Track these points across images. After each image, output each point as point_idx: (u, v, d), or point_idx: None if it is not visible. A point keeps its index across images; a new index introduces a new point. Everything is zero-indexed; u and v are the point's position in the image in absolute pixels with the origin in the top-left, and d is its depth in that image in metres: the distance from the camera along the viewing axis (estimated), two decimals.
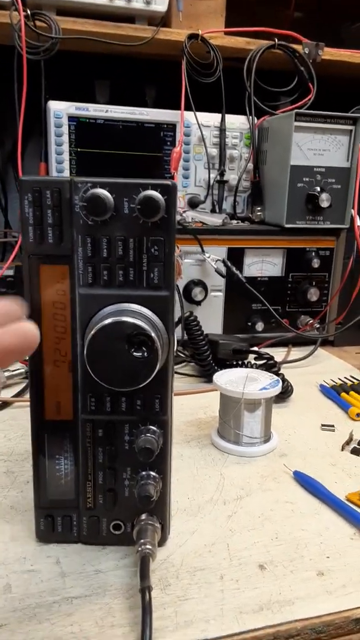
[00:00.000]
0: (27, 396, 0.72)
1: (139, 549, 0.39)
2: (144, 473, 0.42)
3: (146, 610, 0.35)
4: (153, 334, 0.37)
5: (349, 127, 0.90)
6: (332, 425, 0.67)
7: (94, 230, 0.37)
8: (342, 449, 0.61)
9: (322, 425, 0.67)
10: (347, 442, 0.62)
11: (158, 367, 0.38)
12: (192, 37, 0.93)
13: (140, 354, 0.37)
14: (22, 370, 0.76)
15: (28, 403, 0.69)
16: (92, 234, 0.37)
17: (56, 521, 0.43)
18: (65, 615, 0.37)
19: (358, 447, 0.61)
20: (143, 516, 0.42)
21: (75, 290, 0.38)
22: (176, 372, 0.83)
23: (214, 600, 0.39)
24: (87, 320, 0.39)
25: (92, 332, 0.37)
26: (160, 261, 0.38)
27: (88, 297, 0.38)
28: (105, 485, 0.42)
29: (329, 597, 0.39)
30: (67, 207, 0.37)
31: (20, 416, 0.67)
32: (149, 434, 0.40)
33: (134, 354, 0.37)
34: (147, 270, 0.38)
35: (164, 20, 0.92)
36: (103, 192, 0.36)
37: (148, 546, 0.39)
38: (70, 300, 0.39)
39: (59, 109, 0.92)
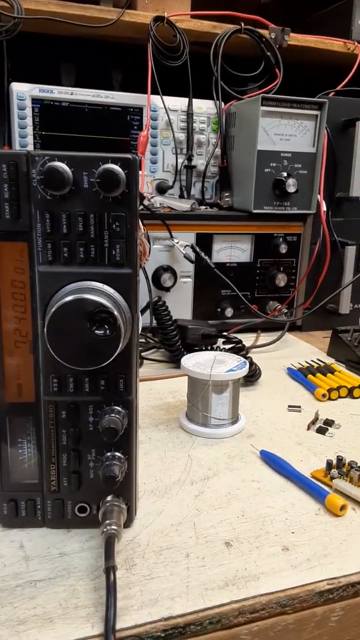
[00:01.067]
0: None
1: (104, 529, 0.39)
2: (108, 454, 0.41)
3: (110, 590, 0.35)
4: (115, 312, 0.36)
5: (315, 112, 0.91)
6: (299, 406, 0.67)
7: (52, 206, 0.36)
8: (308, 429, 0.62)
9: (289, 406, 0.68)
10: (313, 422, 0.63)
11: (121, 345, 0.37)
12: (158, 19, 0.92)
13: (102, 332, 0.36)
14: None
15: None
16: (50, 210, 0.36)
17: (20, 505, 0.42)
18: (29, 598, 0.36)
19: (323, 426, 0.62)
20: (109, 497, 0.42)
21: (34, 268, 0.38)
22: (145, 358, 0.83)
23: (179, 578, 0.39)
24: (47, 299, 0.38)
25: (53, 310, 0.36)
26: (122, 237, 0.37)
27: (48, 275, 0.38)
28: (70, 467, 0.42)
29: (293, 571, 0.40)
30: (25, 181, 0.36)
31: None
32: (113, 414, 0.40)
33: (96, 332, 0.36)
34: (108, 247, 0.37)
35: (129, 2, 0.91)
36: (61, 166, 0.35)
37: (113, 527, 0.39)
38: (29, 278, 0.38)
39: (22, 91, 0.90)
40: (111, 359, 0.37)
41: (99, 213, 0.37)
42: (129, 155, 0.36)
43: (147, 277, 0.86)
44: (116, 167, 0.35)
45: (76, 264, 0.38)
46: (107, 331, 0.36)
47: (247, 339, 0.89)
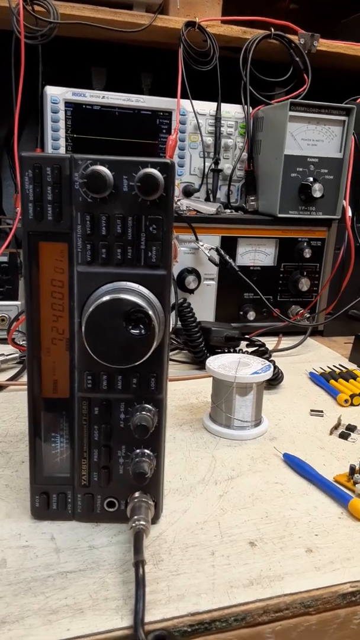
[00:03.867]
0: (22, 380, 0.72)
1: (133, 524, 0.40)
2: (138, 451, 0.42)
3: (139, 583, 0.36)
4: (150, 312, 0.37)
5: (343, 118, 0.91)
6: (321, 411, 0.68)
7: (93, 208, 0.37)
8: (331, 433, 0.62)
9: (311, 410, 0.68)
10: (335, 427, 0.63)
11: (155, 345, 0.38)
12: (189, 25, 0.93)
13: (137, 331, 0.37)
14: (17, 355, 0.76)
15: (22, 387, 0.70)
16: (91, 212, 0.38)
17: (51, 498, 0.44)
18: (60, 588, 0.38)
19: (346, 431, 0.62)
20: (137, 494, 0.43)
21: (73, 268, 0.39)
22: (169, 359, 0.84)
23: (205, 575, 0.39)
24: (85, 298, 0.39)
25: (90, 309, 0.37)
26: (158, 240, 0.38)
27: (86, 275, 0.39)
28: (100, 462, 0.43)
29: (317, 573, 0.40)
30: (67, 184, 0.37)
31: (15, 399, 0.67)
32: (144, 412, 0.41)
33: (132, 331, 0.37)
34: (145, 248, 0.38)
35: (161, 7, 0.92)
36: (103, 169, 0.36)
37: (142, 522, 0.40)
38: (68, 278, 0.39)
39: (56, 94, 0.92)
40: (145, 357, 0.38)
41: (137, 216, 0.38)
42: (167, 160, 0.37)
43: (173, 277, 0.87)
44: (155, 172, 0.37)
45: (113, 264, 0.39)
46: (142, 330, 0.37)
47: (269, 343, 0.90)
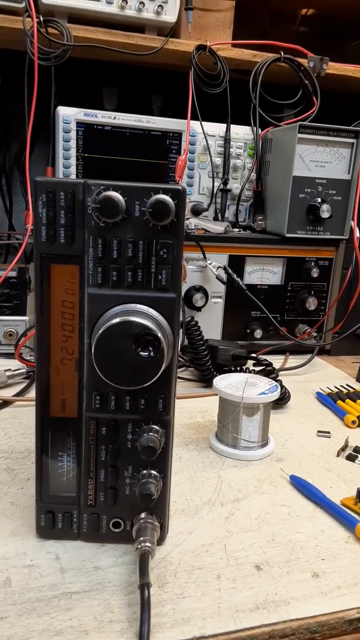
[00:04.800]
0: (28, 395, 0.72)
1: (139, 546, 0.40)
2: (145, 472, 0.43)
3: (145, 606, 0.36)
4: (159, 334, 0.37)
5: (351, 140, 0.92)
6: (328, 432, 0.68)
7: (105, 232, 0.38)
8: (338, 455, 0.62)
9: (319, 431, 0.68)
10: (343, 449, 0.63)
11: (163, 367, 0.39)
12: (200, 48, 0.95)
13: (146, 353, 0.38)
14: (23, 370, 0.77)
15: (29, 402, 0.70)
16: (103, 236, 0.38)
17: (57, 517, 0.44)
18: (65, 609, 0.37)
19: (353, 453, 0.62)
20: (143, 514, 0.43)
21: (84, 289, 0.39)
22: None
23: (211, 598, 0.39)
24: (94, 320, 0.40)
25: (100, 331, 0.37)
26: (168, 264, 0.39)
27: (97, 297, 0.39)
28: (107, 483, 0.43)
29: (323, 598, 0.40)
30: (80, 208, 0.38)
31: (21, 415, 0.67)
32: (151, 433, 0.41)
33: (141, 353, 0.38)
34: (155, 272, 0.39)
35: (173, 30, 0.94)
36: (115, 195, 0.37)
37: (147, 544, 0.40)
38: (79, 299, 0.40)
39: (68, 115, 0.94)
40: (154, 379, 0.39)
41: (147, 240, 0.39)
42: (179, 187, 0.38)
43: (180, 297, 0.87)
44: (167, 198, 0.37)
45: (124, 287, 0.39)
46: (151, 353, 0.38)
47: (275, 361, 0.90)
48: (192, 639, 0.36)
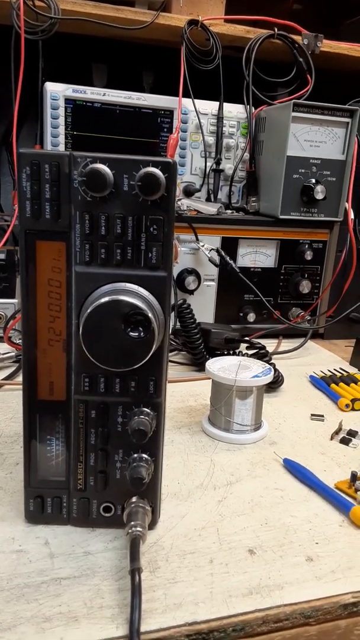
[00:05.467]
0: (18, 379, 0.71)
1: (129, 530, 0.39)
2: (136, 455, 0.42)
3: (135, 591, 0.35)
4: (150, 314, 0.36)
5: (346, 120, 0.90)
6: (322, 415, 0.67)
7: (92, 207, 0.37)
8: (331, 439, 0.62)
9: (312, 415, 0.67)
10: (336, 432, 0.62)
11: (154, 348, 0.37)
12: (192, 23, 0.92)
13: (136, 334, 0.36)
14: (13, 354, 0.75)
15: (18, 386, 0.69)
16: (90, 211, 0.37)
17: (46, 502, 0.43)
18: (54, 595, 0.37)
19: (347, 436, 0.61)
20: (134, 499, 0.42)
21: (71, 268, 0.38)
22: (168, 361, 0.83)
23: (203, 583, 0.39)
24: (82, 299, 0.38)
25: (89, 311, 0.36)
26: (159, 241, 0.37)
27: (84, 276, 0.38)
28: (97, 466, 0.42)
29: (317, 582, 0.40)
30: (66, 182, 0.36)
31: (10, 399, 0.66)
32: (142, 416, 0.40)
33: (130, 333, 0.36)
34: (145, 249, 0.38)
35: (164, 5, 0.91)
36: (103, 168, 0.35)
37: (138, 528, 0.39)
38: (66, 278, 0.38)
39: (56, 91, 0.91)
40: (144, 360, 0.37)
41: (137, 216, 0.37)
42: (169, 159, 0.36)
43: (173, 280, 0.86)
44: (157, 171, 0.36)
45: (112, 265, 0.38)
46: (142, 333, 0.37)
47: (269, 345, 0.89)
48: (184, 625, 0.35)
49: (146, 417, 0.40)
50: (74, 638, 0.34)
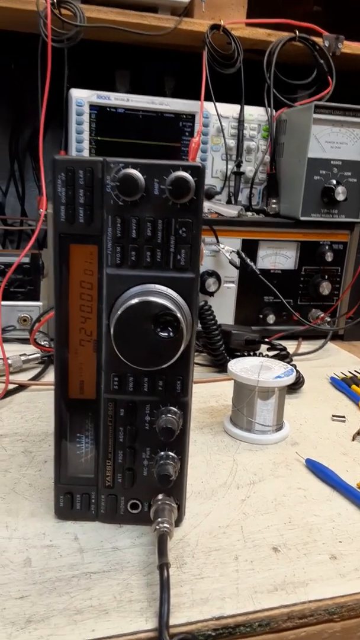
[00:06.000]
0: (44, 380, 0.73)
1: (157, 527, 0.40)
2: (163, 453, 0.42)
3: (164, 586, 0.36)
4: (179, 315, 0.37)
5: None
6: (343, 416, 0.67)
7: (123, 211, 0.38)
8: (353, 439, 0.62)
9: (333, 416, 0.68)
10: (358, 433, 0.63)
11: (182, 347, 0.38)
12: (214, 27, 0.93)
13: (166, 334, 0.37)
14: (38, 355, 0.77)
15: (44, 386, 0.70)
16: (122, 215, 0.38)
17: (75, 498, 0.44)
18: (85, 589, 0.38)
19: None
20: (160, 496, 0.43)
21: (102, 270, 0.39)
22: None
23: (229, 579, 0.39)
24: (113, 301, 0.39)
25: (120, 312, 0.37)
26: (187, 243, 0.38)
27: (115, 278, 0.39)
28: (125, 464, 0.43)
29: (342, 580, 0.40)
30: (99, 187, 0.37)
31: (37, 399, 0.68)
32: (170, 415, 0.41)
33: (160, 334, 0.37)
34: (174, 251, 0.38)
35: (186, 10, 0.92)
36: (135, 173, 0.36)
37: (166, 525, 0.40)
38: (97, 280, 0.39)
39: (81, 97, 0.93)
40: (173, 360, 0.38)
41: (167, 219, 0.38)
42: (198, 164, 0.37)
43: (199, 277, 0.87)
44: (187, 175, 0.37)
45: (142, 267, 0.39)
46: (171, 333, 0.38)
47: (288, 347, 0.89)
48: (211, 619, 0.36)
49: (173, 416, 0.41)
50: (105, 630, 0.35)
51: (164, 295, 0.38)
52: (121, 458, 0.43)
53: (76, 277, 0.39)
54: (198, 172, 0.37)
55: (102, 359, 0.41)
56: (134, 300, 0.37)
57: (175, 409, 0.42)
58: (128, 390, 0.41)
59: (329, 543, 0.44)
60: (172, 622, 0.35)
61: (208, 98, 0.95)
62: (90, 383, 0.41)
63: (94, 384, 0.41)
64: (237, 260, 0.90)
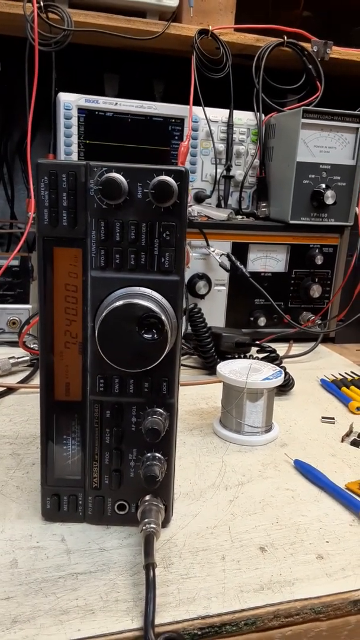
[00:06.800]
0: (32, 382, 0.73)
1: (143, 527, 0.40)
2: (149, 454, 0.43)
3: (150, 585, 0.36)
4: (163, 317, 0.37)
5: (356, 125, 0.91)
6: (333, 418, 0.68)
7: (107, 214, 0.38)
8: (342, 441, 0.62)
9: (323, 417, 0.68)
10: (347, 434, 0.63)
11: (167, 349, 0.39)
12: (203, 32, 0.94)
13: (150, 336, 0.38)
14: (27, 358, 0.77)
15: (33, 389, 0.70)
16: (105, 218, 0.38)
17: (62, 500, 0.44)
18: (71, 589, 0.38)
19: (358, 439, 0.62)
20: (147, 497, 0.43)
21: (87, 273, 0.39)
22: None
23: (215, 579, 0.40)
24: (98, 303, 0.40)
25: (104, 314, 0.37)
26: (171, 246, 0.39)
27: (100, 280, 0.39)
28: (112, 465, 0.43)
29: (328, 579, 0.40)
30: (82, 190, 0.38)
31: (25, 402, 0.68)
32: (155, 416, 0.41)
33: (144, 336, 0.38)
34: (158, 254, 0.39)
35: (174, 15, 0.93)
36: (118, 177, 0.37)
37: (152, 525, 0.40)
38: (82, 283, 0.40)
39: (69, 101, 0.93)
40: (157, 362, 0.39)
41: (150, 222, 0.38)
42: (181, 168, 0.38)
43: (184, 284, 0.87)
44: (169, 179, 0.37)
45: (127, 270, 0.39)
46: (155, 335, 0.38)
47: (279, 349, 0.89)
48: (197, 618, 0.36)
49: (159, 417, 0.41)
50: (90, 630, 0.35)
51: (148, 298, 0.38)
52: (108, 459, 0.43)
53: (61, 280, 0.39)
54: (181, 176, 0.38)
55: (88, 361, 0.41)
56: (119, 303, 0.38)
57: (161, 410, 0.42)
58: (114, 392, 0.41)
59: (315, 543, 0.44)
60: (158, 621, 0.35)
61: (197, 102, 0.96)
62: (76, 385, 0.42)
63: (80, 386, 0.42)
64: (227, 264, 0.90)
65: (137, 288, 0.39)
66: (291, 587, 0.39)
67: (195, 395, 0.74)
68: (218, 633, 0.36)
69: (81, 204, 0.38)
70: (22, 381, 0.73)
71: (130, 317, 0.37)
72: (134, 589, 0.38)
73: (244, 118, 1.02)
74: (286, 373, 0.73)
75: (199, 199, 1.01)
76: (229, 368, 0.63)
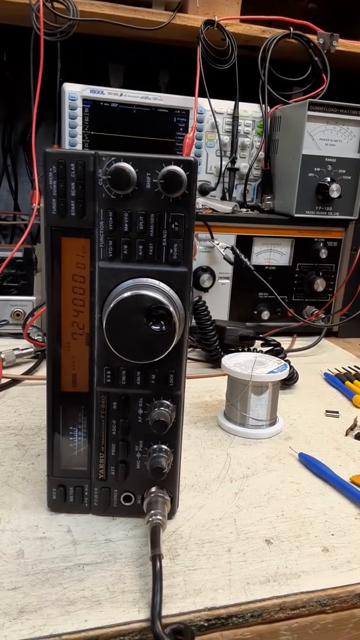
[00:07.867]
0: (37, 374, 0.73)
1: (150, 519, 0.40)
2: (155, 446, 0.43)
3: (157, 576, 0.36)
4: (171, 308, 0.37)
5: None
6: (337, 412, 0.68)
7: (116, 205, 0.38)
8: (346, 434, 0.62)
9: (327, 411, 0.68)
10: (351, 428, 0.63)
11: (175, 341, 0.38)
12: (208, 23, 0.93)
13: (158, 327, 0.37)
14: (31, 350, 0.77)
15: (37, 381, 0.70)
16: (114, 208, 0.38)
17: (68, 491, 0.44)
18: (78, 580, 0.38)
19: None
20: (153, 489, 0.43)
21: (95, 264, 0.39)
22: None
23: (221, 571, 0.40)
24: (105, 294, 0.39)
25: (112, 305, 0.37)
26: (180, 237, 0.38)
27: (108, 271, 0.39)
28: (118, 457, 0.43)
29: (334, 572, 0.40)
30: (91, 180, 0.37)
31: (30, 393, 0.68)
32: (162, 408, 0.41)
33: (152, 327, 0.38)
34: (166, 245, 0.39)
35: (180, 5, 0.92)
36: (127, 166, 0.36)
37: (158, 517, 0.40)
38: (90, 273, 0.39)
39: (74, 91, 0.92)
40: (165, 354, 0.39)
41: (159, 213, 0.38)
42: (191, 158, 0.37)
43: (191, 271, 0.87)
44: (179, 169, 0.37)
45: (135, 261, 0.39)
46: (163, 327, 0.38)
47: (283, 343, 0.89)
48: (203, 610, 0.36)
49: (166, 409, 0.41)
50: (97, 620, 0.35)
51: (156, 289, 0.38)
52: (114, 451, 0.43)
53: (68, 271, 0.39)
54: (190, 166, 0.37)
55: (95, 352, 0.41)
56: (127, 294, 0.37)
57: (168, 402, 0.42)
58: (121, 383, 0.41)
59: (321, 536, 0.44)
60: (164, 612, 0.35)
61: (202, 94, 0.95)
62: (83, 376, 0.41)
63: (87, 377, 0.42)
64: (231, 257, 0.90)
65: (145, 279, 0.39)
66: (297, 580, 0.39)
67: (200, 388, 0.74)
68: (224, 625, 0.36)
69: (89, 193, 0.38)
70: (26, 373, 0.72)
71: (138, 309, 0.37)
72: (140, 580, 0.38)
73: (250, 110, 1.01)
74: (290, 366, 0.73)
75: (204, 191, 1.01)
76: (234, 361, 0.63)
